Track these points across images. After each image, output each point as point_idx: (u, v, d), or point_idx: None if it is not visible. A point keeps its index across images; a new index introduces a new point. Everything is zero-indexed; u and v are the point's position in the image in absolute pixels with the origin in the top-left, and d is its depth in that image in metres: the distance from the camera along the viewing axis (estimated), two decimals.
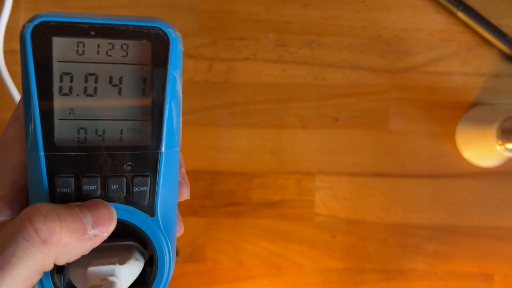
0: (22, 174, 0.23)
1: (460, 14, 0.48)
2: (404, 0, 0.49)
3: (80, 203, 0.22)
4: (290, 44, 0.49)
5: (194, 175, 0.49)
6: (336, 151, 0.49)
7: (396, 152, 0.49)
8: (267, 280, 0.49)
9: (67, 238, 0.20)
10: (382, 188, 0.49)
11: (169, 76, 0.23)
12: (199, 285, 0.49)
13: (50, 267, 0.20)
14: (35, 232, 0.19)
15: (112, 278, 0.22)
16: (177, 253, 0.49)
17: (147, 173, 0.23)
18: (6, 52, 0.48)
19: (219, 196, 0.49)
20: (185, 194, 0.26)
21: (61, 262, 0.21)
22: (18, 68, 0.48)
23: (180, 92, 0.24)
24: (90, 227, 0.21)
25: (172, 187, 0.24)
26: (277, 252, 0.49)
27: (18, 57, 0.48)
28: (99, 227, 0.21)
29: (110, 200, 0.23)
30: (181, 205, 0.50)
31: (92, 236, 0.21)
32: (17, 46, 0.48)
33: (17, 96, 0.47)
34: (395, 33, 0.49)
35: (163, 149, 0.23)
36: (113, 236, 0.23)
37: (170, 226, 0.25)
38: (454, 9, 0.48)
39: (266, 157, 0.49)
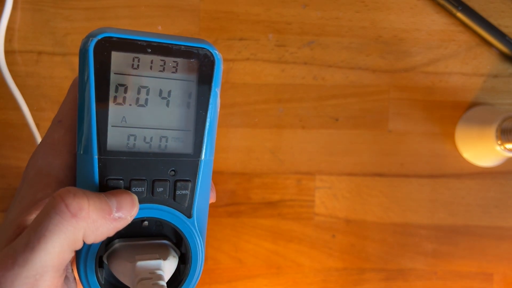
0: (66, 175, 0.24)
1: (460, 15, 0.48)
2: (403, 0, 0.49)
3: (106, 192, 0.24)
4: (290, 44, 0.49)
5: None
6: (336, 151, 0.49)
7: (395, 152, 0.49)
8: (267, 280, 0.49)
9: (94, 214, 0.22)
10: (381, 188, 0.49)
11: (212, 93, 0.25)
12: (199, 284, 0.49)
13: (80, 243, 0.22)
14: (66, 207, 0.21)
15: (159, 272, 0.24)
16: None
17: (188, 178, 0.26)
18: (6, 52, 0.48)
19: (219, 196, 0.49)
20: (212, 197, 0.28)
21: (89, 240, 0.22)
22: (19, 69, 0.48)
23: (219, 107, 0.26)
24: (115, 209, 0.23)
25: (206, 192, 0.27)
26: (277, 252, 0.49)
27: (18, 57, 0.48)
28: (123, 211, 0.23)
29: (155, 201, 0.25)
30: None
31: (117, 218, 0.23)
32: (17, 46, 0.48)
33: (18, 96, 0.47)
34: (395, 33, 0.49)
35: (202, 157, 0.26)
36: (147, 236, 0.26)
37: (203, 227, 0.27)
38: (453, 10, 0.48)
39: (266, 157, 0.49)
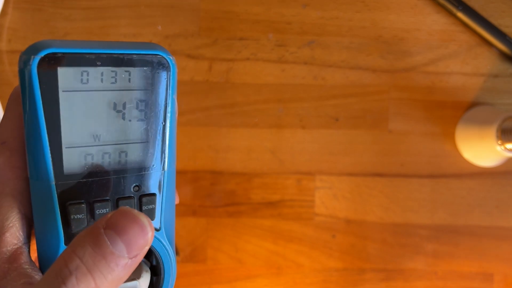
0: (21, 202, 0.22)
1: (460, 14, 0.48)
2: (404, 0, 0.49)
3: (106, 222, 0.19)
4: (290, 44, 0.49)
5: (194, 175, 0.49)
6: (336, 151, 0.49)
7: (395, 152, 0.49)
8: (267, 280, 0.49)
9: (104, 285, 0.18)
10: (382, 188, 0.49)
11: (169, 100, 0.24)
12: (199, 285, 0.49)
13: None
14: None
15: None
16: (177, 253, 0.49)
17: (153, 192, 0.24)
18: (6, 52, 0.48)
19: (219, 196, 0.49)
20: (176, 200, 0.27)
21: None
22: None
23: (177, 113, 0.25)
24: (126, 255, 0.19)
25: (172, 201, 0.26)
26: (277, 252, 0.49)
27: (18, 57, 0.48)
28: (135, 251, 0.19)
29: None
30: (181, 204, 0.50)
31: (132, 259, 0.19)
32: (16, 46, 0.48)
33: None
34: (395, 33, 0.49)
35: (166, 168, 0.25)
36: None
37: (171, 236, 0.26)
38: (453, 9, 0.48)
39: (266, 157, 0.49)
